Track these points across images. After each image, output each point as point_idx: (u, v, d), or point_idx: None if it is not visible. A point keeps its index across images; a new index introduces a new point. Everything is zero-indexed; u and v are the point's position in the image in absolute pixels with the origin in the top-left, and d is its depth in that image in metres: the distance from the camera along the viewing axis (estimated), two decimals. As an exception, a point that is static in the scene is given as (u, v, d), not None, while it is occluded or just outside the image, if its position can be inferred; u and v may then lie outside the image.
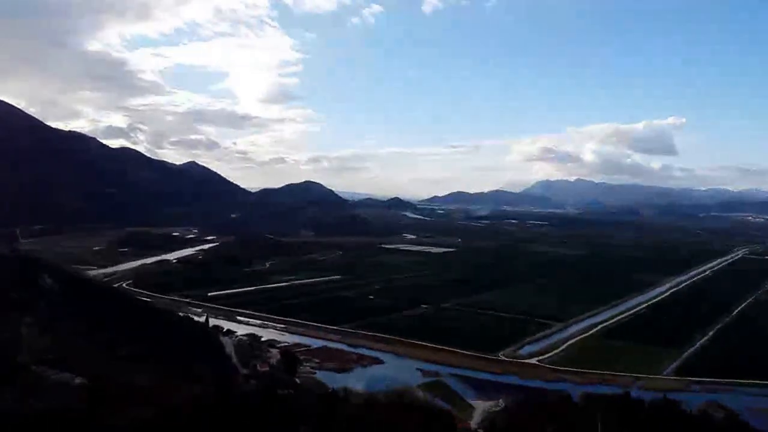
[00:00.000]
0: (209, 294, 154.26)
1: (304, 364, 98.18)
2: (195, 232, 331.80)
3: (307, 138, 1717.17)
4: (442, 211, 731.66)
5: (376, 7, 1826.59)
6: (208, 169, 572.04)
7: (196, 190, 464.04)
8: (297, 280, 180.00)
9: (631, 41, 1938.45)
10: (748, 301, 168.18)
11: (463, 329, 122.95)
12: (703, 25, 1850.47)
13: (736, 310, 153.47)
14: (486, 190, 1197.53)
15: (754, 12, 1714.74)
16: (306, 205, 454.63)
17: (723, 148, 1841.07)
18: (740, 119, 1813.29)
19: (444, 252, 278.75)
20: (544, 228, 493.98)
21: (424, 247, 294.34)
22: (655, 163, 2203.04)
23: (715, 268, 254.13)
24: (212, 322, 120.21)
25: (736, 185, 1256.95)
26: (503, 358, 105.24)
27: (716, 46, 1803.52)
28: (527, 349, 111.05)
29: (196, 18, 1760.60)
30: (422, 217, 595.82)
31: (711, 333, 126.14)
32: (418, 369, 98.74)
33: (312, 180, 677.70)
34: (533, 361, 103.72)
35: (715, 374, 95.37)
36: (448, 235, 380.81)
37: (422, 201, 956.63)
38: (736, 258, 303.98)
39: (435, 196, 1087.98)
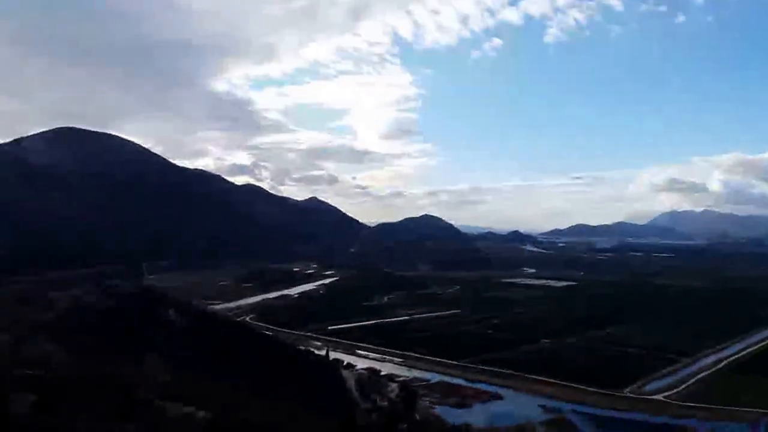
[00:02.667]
0: (329, 328, 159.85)
1: (423, 398, 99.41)
2: (315, 267, 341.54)
3: (424, 172, 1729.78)
4: (563, 244, 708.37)
5: (497, 41, 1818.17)
6: (328, 204, 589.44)
7: (317, 225, 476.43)
8: (416, 314, 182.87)
9: (753, 68, 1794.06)
10: None
11: (585, 364, 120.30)
12: None
13: None
14: (609, 222, 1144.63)
15: None
16: (424, 239, 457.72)
17: None
18: None
19: (565, 286, 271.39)
20: (671, 260, 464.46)
21: (544, 281, 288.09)
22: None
23: None
24: (332, 355, 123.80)
25: None
26: (628, 394, 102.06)
27: None
28: (653, 385, 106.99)
29: (319, 57, 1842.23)
30: (543, 251, 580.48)
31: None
32: (539, 405, 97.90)
33: (430, 214, 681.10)
34: (659, 397, 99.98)
35: None
36: (569, 268, 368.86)
37: (543, 234, 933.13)
38: None
39: (556, 229, 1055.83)
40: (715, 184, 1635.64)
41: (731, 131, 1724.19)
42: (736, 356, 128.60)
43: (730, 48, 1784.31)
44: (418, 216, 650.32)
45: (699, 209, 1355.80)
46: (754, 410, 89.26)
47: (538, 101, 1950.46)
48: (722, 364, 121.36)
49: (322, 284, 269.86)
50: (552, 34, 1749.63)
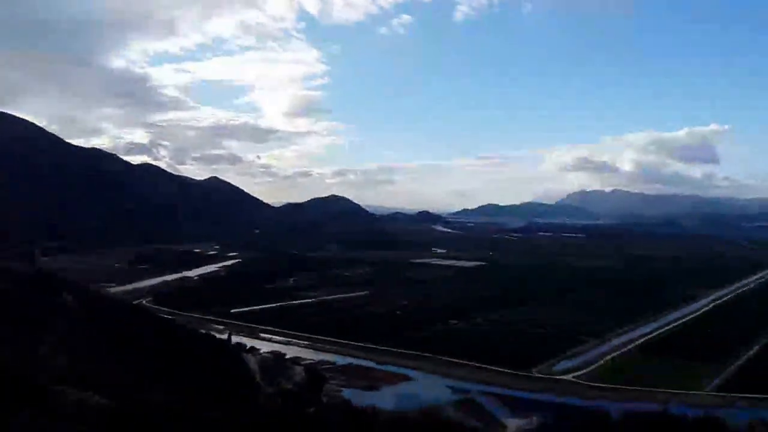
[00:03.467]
0: (231, 311, 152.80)
1: (330, 381, 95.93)
2: (217, 249, 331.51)
3: (332, 151, 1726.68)
4: (472, 224, 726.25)
5: (406, 17, 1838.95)
6: (230, 184, 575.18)
7: (218, 206, 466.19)
8: (322, 296, 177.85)
9: (669, 44, 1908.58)
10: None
11: (494, 345, 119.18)
12: (744, 29, 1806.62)
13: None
14: (519, 201, 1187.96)
15: None
16: (332, 220, 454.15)
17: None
18: None
19: (475, 266, 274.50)
20: (580, 240, 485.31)
21: (454, 261, 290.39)
22: (696, 172, 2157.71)
23: (762, 280, 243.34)
24: (235, 339, 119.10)
25: None
26: (537, 374, 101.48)
27: (758, 50, 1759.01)
28: (563, 365, 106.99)
29: (221, 32, 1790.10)
30: (452, 231, 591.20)
31: (756, 348, 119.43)
32: (448, 386, 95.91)
33: (338, 194, 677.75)
34: (569, 377, 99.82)
35: (761, 390, 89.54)
36: (479, 248, 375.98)
37: (452, 214, 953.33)
38: None
39: (466, 209, 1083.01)
40: (626, 164, 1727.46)
41: (643, 109, 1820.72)
42: (647, 337, 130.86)
43: (642, 26, 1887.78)
44: (325, 196, 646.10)
45: (609, 189, 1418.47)
46: (666, 391, 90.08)
47: (447, 79, 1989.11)
48: (632, 344, 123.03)
49: (224, 266, 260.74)
50: (462, 11, 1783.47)
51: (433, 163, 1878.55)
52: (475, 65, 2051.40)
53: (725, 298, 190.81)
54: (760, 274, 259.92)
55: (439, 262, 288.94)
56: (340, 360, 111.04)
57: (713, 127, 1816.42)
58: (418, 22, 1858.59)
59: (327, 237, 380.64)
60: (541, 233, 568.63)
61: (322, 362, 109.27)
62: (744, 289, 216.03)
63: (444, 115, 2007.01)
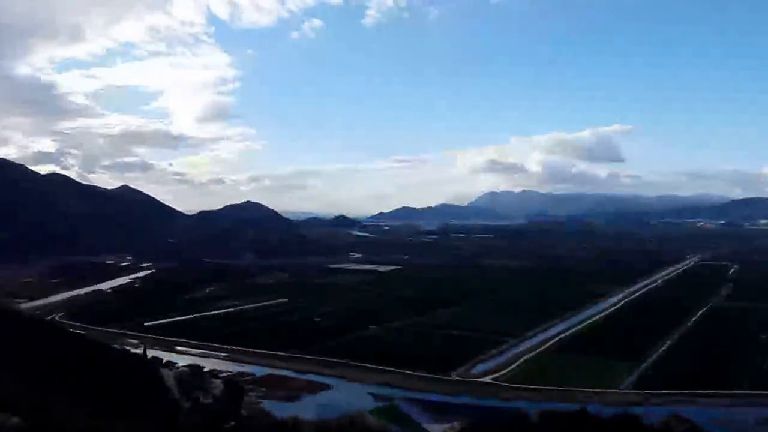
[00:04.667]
0: (146, 324, 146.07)
1: (250, 393, 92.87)
2: (129, 260, 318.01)
3: (246, 157, 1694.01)
4: (388, 228, 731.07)
5: (317, 22, 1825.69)
6: (142, 193, 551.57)
7: (130, 215, 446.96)
8: (239, 305, 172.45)
9: (570, 49, 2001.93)
10: (703, 309, 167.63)
11: (414, 349, 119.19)
12: (642, 31, 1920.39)
13: (693, 319, 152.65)
14: (433, 204, 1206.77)
15: (697, 18, 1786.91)
16: (247, 227, 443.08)
17: (670, 154, 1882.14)
18: (686, 123, 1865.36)
19: (392, 270, 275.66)
20: (492, 241, 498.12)
21: (371, 266, 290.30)
22: (602, 171, 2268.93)
23: (669, 276, 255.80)
24: (150, 353, 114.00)
25: (685, 190, 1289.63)
26: (457, 377, 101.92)
27: (657, 50, 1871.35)
28: (481, 367, 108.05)
29: (130, 37, 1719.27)
30: (369, 235, 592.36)
31: (668, 343, 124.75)
32: (369, 393, 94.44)
33: (253, 200, 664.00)
34: (487, 379, 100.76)
35: (674, 386, 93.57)
36: (395, 251, 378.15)
37: (368, 218, 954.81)
38: (690, 265, 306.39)
39: (381, 213, 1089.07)
40: (534, 165, 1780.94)
41: (549, 111, 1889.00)
42: (563, 335, 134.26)
43: (545, 29, 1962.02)
44: (240, 203, 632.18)
45: (518, 189, 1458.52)
46: (583, 389, 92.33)
47: (360, 83, 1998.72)
48: (549, 343, 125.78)
49: (138, 277, 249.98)
50: (371, 16, 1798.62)
51: (349, 167, 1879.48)
52: (386, 68, 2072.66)
53: (635, 295, 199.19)
54: (667, 270, 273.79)
55: (356, 267, 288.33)
56: (260, 371, 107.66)
57: (616, 127, 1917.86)
58: (328, 26, 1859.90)
59: (242, 245, 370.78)
60: (455, 235, 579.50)
61: (241, 374, 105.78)
62: (652, 285, 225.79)
63: (358, 119, 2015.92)
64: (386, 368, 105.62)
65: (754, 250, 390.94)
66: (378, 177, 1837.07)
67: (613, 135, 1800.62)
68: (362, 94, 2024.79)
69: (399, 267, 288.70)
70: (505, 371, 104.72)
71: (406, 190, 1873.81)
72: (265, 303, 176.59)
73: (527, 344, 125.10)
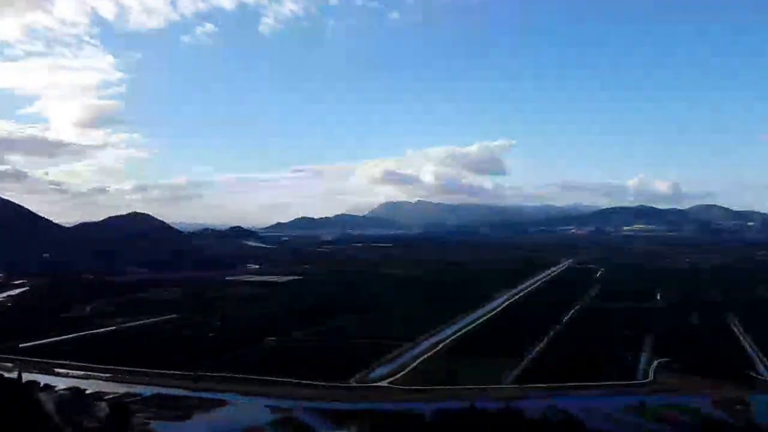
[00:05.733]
0: (21, 346, 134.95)
1: (137, 414, 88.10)
2: (1, 276, 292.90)
3: (133, 165, 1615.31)
4: (287, 238, 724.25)
5: (209, 26, 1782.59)
6: (14, 204, 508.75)
7: (1, 229, 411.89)
8: (126, 323, 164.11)
9: (461, 64, 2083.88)
10: (575, 307, 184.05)
11: (312, 359, 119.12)
12: (523, 53, 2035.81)
13: (566, 318, 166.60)
14: (331, 214, 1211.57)
15: (564, 42, 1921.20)
16: (133, 240, 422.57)
17: (547, 167, 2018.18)
18: (560, 139, 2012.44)
19: (290, 280, 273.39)
20: (390, 249, 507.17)
21: (268, 277, 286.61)
22: (488, 183, 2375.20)
23: (546, 278, 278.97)
24: (26, 377, 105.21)
25: (560, 201, 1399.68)
26: (354, 384, 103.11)
27: (535, 72, 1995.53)
28: (378, 372, 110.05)
29: (4, 36, 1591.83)
30: (266, 246, 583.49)
31: (546, 340, 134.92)
32: (267, 406, 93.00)
33: (140, 211, 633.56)
34: (384, 383, 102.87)
35: (552, 379, 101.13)
36: (294, 262, 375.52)
37: (265, 228, 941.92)
38: (563, 268, 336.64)
39: (279, 223, 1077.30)
40: (428, 176, 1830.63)
41: (442, 125, 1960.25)
42: (454, 337, 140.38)
43: (439, 45, 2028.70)
44: (125, 214, 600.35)
45: (414, 200, 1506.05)
46: (472, 387, 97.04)
47: (255, 91, 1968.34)
48: (441, 346, 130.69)
49: (10, 296, 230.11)
50: (267, 24, 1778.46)
51: (245, 176, 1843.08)
52: (283, 77, 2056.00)
53: (517, 297, 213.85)
54: (544, 273, 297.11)
55: (253, 279, 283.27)
56: (148, 391, 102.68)
57: (501, 142, 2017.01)
58: (222, 31, 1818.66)
59: (128, 258, 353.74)
60: (355, 244, 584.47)
61: (128, 395, 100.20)
62: (532, 287, 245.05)
63: (254, 128, 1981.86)
64: (284, 380, 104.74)
65: (619, 254, 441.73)
66: (276, 187, 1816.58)
67: (498, 149, 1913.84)
68: (258, 103, 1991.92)
69: (298, 277, 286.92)
70: (401, 375, 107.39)
71: (305, 201, 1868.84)
72: (155, 319, 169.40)
73: (421, 347, 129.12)
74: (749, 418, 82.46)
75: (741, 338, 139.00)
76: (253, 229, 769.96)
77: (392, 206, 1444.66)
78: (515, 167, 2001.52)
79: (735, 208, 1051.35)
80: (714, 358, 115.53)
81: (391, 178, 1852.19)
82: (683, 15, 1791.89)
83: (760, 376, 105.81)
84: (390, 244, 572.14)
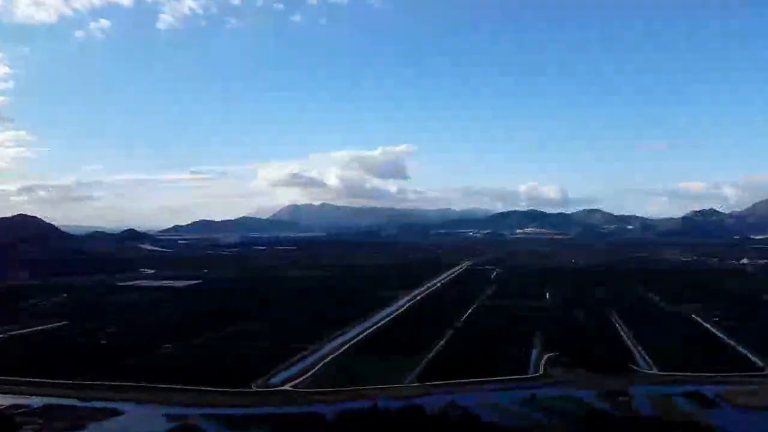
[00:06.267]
0: None
1: (24, 427, 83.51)
2: None
3: (18, 165, 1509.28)
4: (185, 242, 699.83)
5: (104, 22, 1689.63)
6: None
7: None
8: (11, 331, 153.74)
9: (362, 69, 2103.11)
10: (473, 306, 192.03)
11: (213, 365, 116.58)
12: (424, 59, 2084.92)
13: (465, 315, 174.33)
14: (232, 217, 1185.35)
15: (466, 48, 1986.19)
16: (18, 243, 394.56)
17: (448, 172, 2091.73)
18: (460, 145, 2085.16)
19: (188, 285, 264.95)
20: (294, 253, 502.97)
21: (164, 282, 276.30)
22: (392, 186, 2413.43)
23: (446, 279, 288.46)
24: None
25: (458, 205, 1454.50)
26: (255, 389, 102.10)
27: (437, 80, 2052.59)
28: (281, 375, 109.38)
29: None
30: (162, 249, 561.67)
31: (445, 339, 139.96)
32: (164, 415, 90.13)
33: (26, 213, 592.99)
34: (287, 387, 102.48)
35: (451, 376, 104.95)
36: (193, 266, 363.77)
37: (162, 231, 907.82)
38: (462, 269, 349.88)
39: (177, 226, 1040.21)
40: (332, 179, 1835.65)
41: (346, 129, 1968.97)
42: (357, 339, 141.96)
43: (342, 49, 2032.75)
44: (11, 216, 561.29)
45: (318, 203, 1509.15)
46: (375, 387, 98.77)
47: (152, 90, 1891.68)
48: (345, 347, 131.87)
49: None
50: (165, 21, 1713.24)
51: (140, 178, 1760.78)
52: (181, 76, 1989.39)
53: (419, 297, 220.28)
54: (445, 274, 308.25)
55: (148, 284, 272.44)
56: (36, 402, 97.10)
57: (403, 147, 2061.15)
58: (117, 27, 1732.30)
59: (12, 263, 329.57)
60: (258, 247, 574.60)
61: (14, 406, 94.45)
62: (433, 288, 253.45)
63: (150, 128, 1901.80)
64: (183, 387, 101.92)
65: (512, 256, 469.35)
66: (173, 189, 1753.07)
67: (401, 154, 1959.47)
68: (155, 102, 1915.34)
69: (196, 282, 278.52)
70: (304, 378, 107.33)
71: (205, 204, 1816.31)
72: (43, 327, 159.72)
73: (325, 350, 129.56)
74: (630, 408, 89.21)
75: (622, 333, 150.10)
76: (148, 233, 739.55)
77: (296, 209, 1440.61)
78: (418, 172, 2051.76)
79: (616, 212, 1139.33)
80: (598, 352, 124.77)
81: (295, 181, 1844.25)
82: (564, 23, 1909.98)
83: (639, 369, 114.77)
84: (294, 248, 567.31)
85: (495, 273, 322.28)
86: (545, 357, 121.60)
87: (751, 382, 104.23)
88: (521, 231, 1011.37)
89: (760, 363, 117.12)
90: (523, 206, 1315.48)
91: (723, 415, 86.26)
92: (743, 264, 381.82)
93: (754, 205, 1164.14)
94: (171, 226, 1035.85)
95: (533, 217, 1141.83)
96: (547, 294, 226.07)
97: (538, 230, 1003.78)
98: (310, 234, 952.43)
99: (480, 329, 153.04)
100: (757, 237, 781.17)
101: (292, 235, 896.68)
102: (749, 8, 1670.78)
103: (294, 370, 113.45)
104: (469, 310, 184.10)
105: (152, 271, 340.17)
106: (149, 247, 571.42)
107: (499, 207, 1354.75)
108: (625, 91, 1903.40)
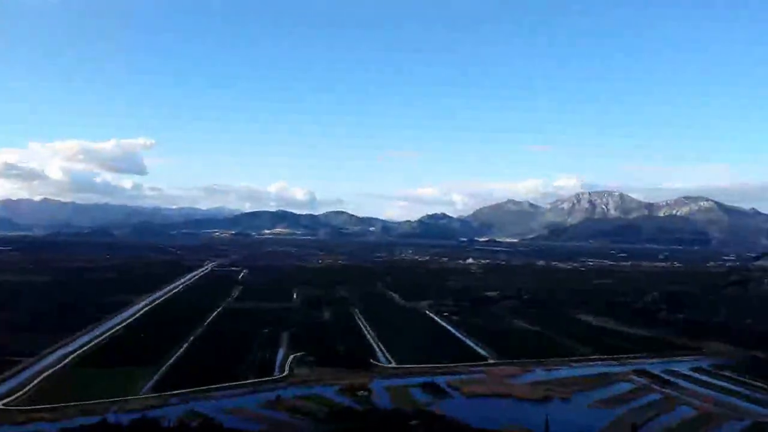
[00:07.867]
0: None
1: None
2: None
3: None
4: None
5: None
6: None
7: None
8: None
9: (99, 52, 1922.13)
10: (217, 310, 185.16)
11: None
12: (177, 52, 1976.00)
13: (209, 320, 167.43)
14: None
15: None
16: None
17: (192, 169, 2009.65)
18: (205, 143, 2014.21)
19: None
20: (9, 254, 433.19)
21: None
22: (126, 182, 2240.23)
23: (188, 282, 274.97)
24: None
25: (204, 204, 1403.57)
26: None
27: (179, 74, 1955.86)
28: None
29: None
30: None
31: (186, 345, 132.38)
32: None
33: None
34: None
35: (191, 384, 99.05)
36: None
37: None
38: (207, 271, 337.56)
39: None
40: (56, 172, 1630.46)
41: (72, 117, 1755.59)
42: (83, 349, 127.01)
43: (80, 29, 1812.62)
44: None
45: (38, 198, 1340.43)
46: (104, 401, 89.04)
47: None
48: (68, 359, 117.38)
49: None
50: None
51: None
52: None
53: (158, 302, 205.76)
54: (187, 277, 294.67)
55: None
56: None
57: (141, 140, 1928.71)
58: None
59: None
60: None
61: None
62: (174, 291, 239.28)
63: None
64: None
65: (260, 256, 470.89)
66: None
67: (138, 147, 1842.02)
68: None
69: None
70: (20, 394, 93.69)
71: None
72: None
73: (46, 362, 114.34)
74: (370, 401, 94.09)
75: (364, 330, 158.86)
76: None
77: (12, 204, 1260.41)
78: (157, 168, 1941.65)
79: (360, 214, 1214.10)
80: (342, 350, 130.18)
81: (11, 172, 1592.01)
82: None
83: (379, 363, 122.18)
84: (8, 248, 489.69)
85: (242, 274, 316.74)
86: (291, 357, 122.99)
87: (478, 371, 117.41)
88: (270, 231, 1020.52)
89: (483, 353, 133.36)
90: (272, 206, 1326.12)
91: (454, 404, 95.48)
92: (469, 263, 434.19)
93: (477, 211, 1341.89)
94: None
95: (282, 217, 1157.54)
96: (294, 294, 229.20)
97: (287, 230, 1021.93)
98: (28, 232, 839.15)
99: (224, 333, 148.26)
100: (480, 239, 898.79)
101: (6, 233, 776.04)
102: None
103: (9, 385, 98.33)
104: (213, 314, 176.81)
105: None
106: None
107: (248, 207, 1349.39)
108: (368, 101, 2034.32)
